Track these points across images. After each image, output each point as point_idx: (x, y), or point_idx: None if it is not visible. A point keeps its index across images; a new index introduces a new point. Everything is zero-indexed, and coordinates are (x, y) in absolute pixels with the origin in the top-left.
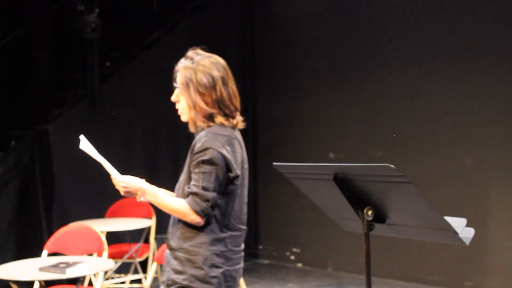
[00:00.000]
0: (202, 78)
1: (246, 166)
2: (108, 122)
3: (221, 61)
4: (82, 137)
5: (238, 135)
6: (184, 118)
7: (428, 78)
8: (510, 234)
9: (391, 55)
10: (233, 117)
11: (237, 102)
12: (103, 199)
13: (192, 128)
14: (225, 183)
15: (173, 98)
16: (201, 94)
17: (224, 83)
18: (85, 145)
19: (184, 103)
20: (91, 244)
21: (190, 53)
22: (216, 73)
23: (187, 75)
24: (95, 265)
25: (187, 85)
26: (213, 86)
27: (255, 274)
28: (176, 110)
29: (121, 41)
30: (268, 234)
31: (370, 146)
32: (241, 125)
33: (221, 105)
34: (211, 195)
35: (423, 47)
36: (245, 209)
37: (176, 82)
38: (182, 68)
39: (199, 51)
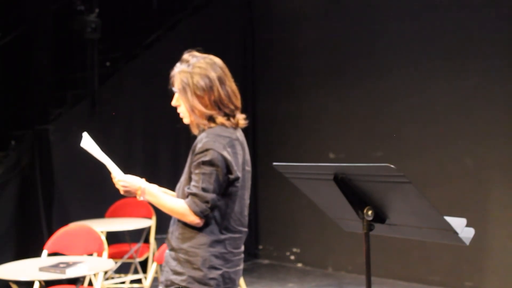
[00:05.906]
0: (199, 81)
1: (247, 168)
2: (108, 122)
3: (217, 61)
4: (85, 134)
5: (241, 137)
6: (185, 121)
7: (428, 78)
8: (510, 234)
9: (391, 55)
10: (234, 116)
11: (237, 100)
12: (103, 199)
13: (194, 130)
14: (225, 185)
15: (173, 103)
16: (199, 97)
17: (222, 82)
18: (87, 142)
19: (184, 108)
20: (91, 244)
21: (185, 56)
22: (213, 74)
23: (184, 80)
24: (95, 265)
25: (184, 89)
26: (210, 88)
27: (255, 274)
28: (176, 110)
29: (121, 41)
30: (268, 234)
31: (370, 146)
32: (242, 124)
33: (220, 106)
34: (210, 196)
35: (423, 47)
36: (246, 211)
37: (173, 87)
38: (178, 73)
39: (195, 53)
